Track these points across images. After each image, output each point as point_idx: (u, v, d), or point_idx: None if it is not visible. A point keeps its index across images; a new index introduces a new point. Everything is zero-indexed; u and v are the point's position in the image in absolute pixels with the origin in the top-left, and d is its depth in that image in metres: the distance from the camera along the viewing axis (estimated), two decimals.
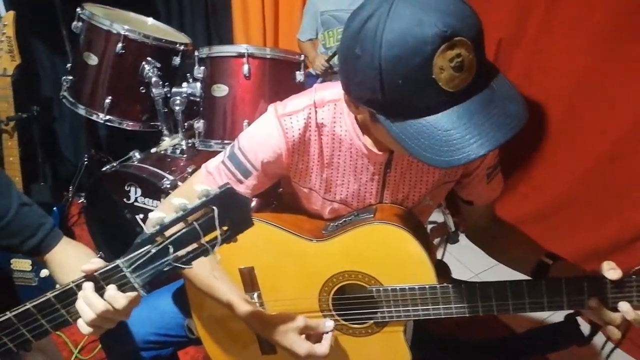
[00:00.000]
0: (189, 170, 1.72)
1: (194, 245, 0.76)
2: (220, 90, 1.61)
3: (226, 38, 2.84)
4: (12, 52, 1.79)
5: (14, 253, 1.57)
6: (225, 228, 0.76)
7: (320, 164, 0.98)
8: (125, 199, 1.76)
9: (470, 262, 2.17)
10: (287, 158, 0.96)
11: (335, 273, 0.97)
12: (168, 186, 1.62)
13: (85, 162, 2.34)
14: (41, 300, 0.76)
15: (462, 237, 2.30)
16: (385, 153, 0.94)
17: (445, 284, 0.90)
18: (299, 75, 1.67)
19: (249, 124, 1.61)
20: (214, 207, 0.74)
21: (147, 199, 1.73)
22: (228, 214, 0.75)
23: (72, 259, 0.96)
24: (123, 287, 0.76)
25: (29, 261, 1.85)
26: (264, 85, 1.63)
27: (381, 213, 0.97)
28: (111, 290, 0.73)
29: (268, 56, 1.61)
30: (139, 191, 1.73)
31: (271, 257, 1.02)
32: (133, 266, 0.75)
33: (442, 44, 0.66)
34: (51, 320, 0.77)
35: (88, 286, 0.74)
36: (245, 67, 1.57)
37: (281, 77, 1.65)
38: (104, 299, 0.73)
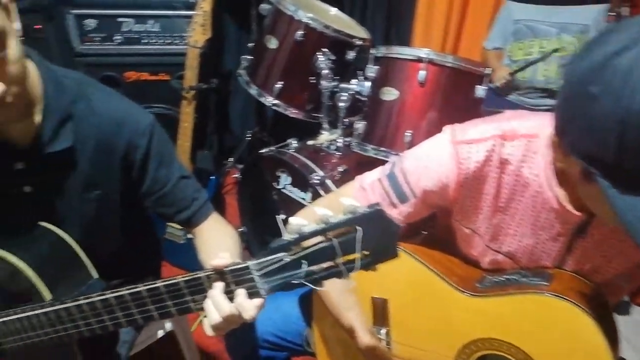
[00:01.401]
0: (340, 169, 1.66)
1: (329, 264, 0.68)
2: (390, 93, 1.51)
3: (404, 38, 2.73)
4: (205, 25, 1.91)
5: (167, 221, 1.69)
6: (366, 252, 0.66)
7: (492, 207, 0.82)
8: (275, 183, 1.78)
9: None
10: (455, 191, 0.82)
11: (482, 337, 0.81)
12: (317, 181, 1.60)
13: (249, 138, 2.46)
14: (171, 281, 0.75)
15: (636, 311, 1.90)
16: (582, 214, 0.74)
17: None
18: (480, 90, 1.49)
19: (412, 135, 1.48)
20: (359, 227, 0.65)
21: (294, 189, 1.73)
22: (373, 238, 0.66)
23: (215, 239, 0.97)
24: (249, 289, 0.71)
25: None
26: (437, 96, 1.48)
27: (559, 283, 0.78)
28: (241, 297, 0.69)
29: (449, 64, 1.46)
30: (289, 179, 1.73)
31: (410, 296, 0.89)
32: (263, 271, 0.70)
33: None
34: (177, 304, 0.75)
35: (218, 287, 0.70)
36: (422, 74, 1.44)
37: (459, 89, 1.48)
38: (233, 305, 0.69)
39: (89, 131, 0.88)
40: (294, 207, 1.74)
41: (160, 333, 1.34)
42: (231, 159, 2.52)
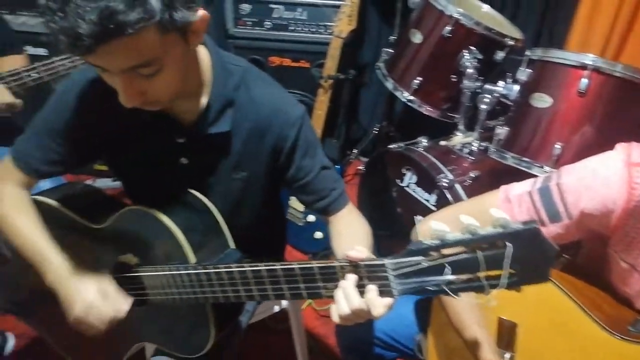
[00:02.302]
0: (471, 174, 1.58)
1: (469, 276, 0.65)
2: (542, 100, 1.39)
3: (558, 41, 2.50)
4: (351, 16, 1.93)
5: (305, 207, 1.77)
6: (512, 271, 0.62)
7: None
8: (398, 180, 1.75)
9: None
10: (619, 219, 0.73)
11: None
12: (445, 184, 1.53)
13: (375, 131, 2.45)
14: (306, 265, 0.77)
15: None
16: None
17: None
18: None
19: (562, 148, 1.35)
20: (509, 244, 0.61)
21: (418, 188, 1.69)
22: (522, 257, 0.61)
23: (349, 230, 0.99)
24: (381, 287, 0.71)
25: None
26: (599, 108, 1.33)
27: None
28: (372, 292, 0.69)
29: (618, 74, 1.29)
30: (414, 178, 1.69)
31: (545, 325, 0.82)
32: (399, 272, 0.69)
33: None
34: (309, 288, 0.77)
35: (351, 279, 0.71)
36: (584, 82, 1.30)
37: (626, 104, 1.31)
38: (364, 300, 0.69)
39: (246, 118, 0.94)
40: (414, 206, 1.70)
41: (276, 309, 1.40)
42: (355, 151, 2.54)
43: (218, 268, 0.84)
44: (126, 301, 0.92)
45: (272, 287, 0.80)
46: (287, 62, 2.26)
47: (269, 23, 2.22)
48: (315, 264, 0.76)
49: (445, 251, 0.65)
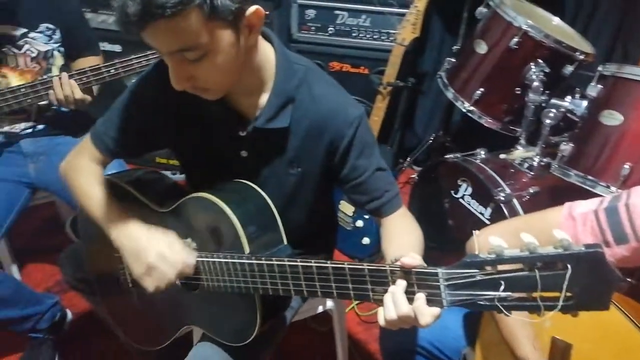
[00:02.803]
0: (530, 190, 1.53)
1: (523, 295, 0.63)
2: (612, 118, 1.33)
3: (632, 57, 2.38)
4: (415, 24, 1.92)
5: (357, 207, 1.77)
6: (569, 294, 0.61)
7: None
8: (452, 191, 1.72)
9: None
10: None
11: None
12: (502, 198, 1.49)
13: (430, 141, 2.42)
14: (356, 266, 0.77)
15: None
16: None
17: None
18: None
19: (631, 169, 1.28)
20: (569, 266, 0.59)
21: (473, 201, 1.65)
22: (582, 281, 0.59)
23: (400, 234, 0.99)
24: (430, 296, 0.70)
25: (353, 208, 2.07)
26: None
27: None
28: (420, 301, 0.69)
29: None
30: (470, 190, 1.66)
31: (603, 350, 0.79)
32: (450, 282, 0.68)
33: None
34: (357, 289, 0.78)
35: (401, 285, 0.71)
36: None
37: None
38: (412, 307, 0.69)
39: (305, 115, 0.96)
40: (467, 219, 1.66)
41: (320, 309, 1.41)
42: (408, 159, 2.52)
43: (271, 260, 0.86)
44: (192, 255, 0.94)
45: (320, 285, 0.81)
46: (347, 67, 2.28)
47: (332, 29, 2.24)
48: (366, 265, 0.76)
49: (501, 267, 0.64)
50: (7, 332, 1.53)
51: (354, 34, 2.23)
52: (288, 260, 0.84)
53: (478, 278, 0.65)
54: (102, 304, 1.23)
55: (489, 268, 0.64)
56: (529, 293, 0.62)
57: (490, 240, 0.63)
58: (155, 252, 0.91)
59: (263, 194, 0.99)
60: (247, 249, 0.91)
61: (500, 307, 0.64)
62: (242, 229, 0.91)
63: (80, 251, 1.17)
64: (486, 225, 1.57)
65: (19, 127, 1.53)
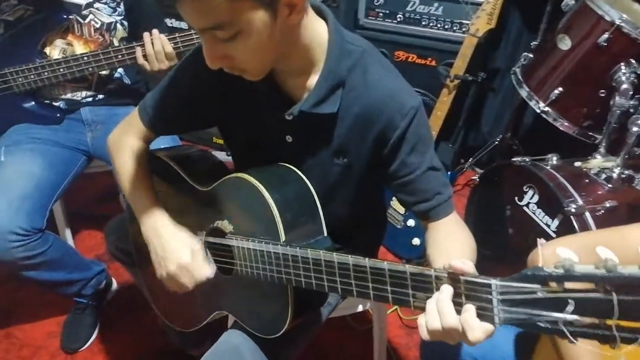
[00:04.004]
0: (607, 204, 1.37)
1: (595, 321, 0.53)
2: None
3: None
4: (492, 15, 1.79)
5: (404, 208, 1.68)
6: None
7: None
8: (516, 197, 1.59)
9: None
10: None
11: None
12: (572, 209, 1.35)
13: (496, 142, 2.27)
14: (397, 267, 0.69)
15: None
16: None
17: None
18: None
19: None
20: None
21: (539, 210, 1.51)
22: None
23: (449, 241, 0.89)
24: (480, 310, 0.61)
25: None
26: None
27: None
28: (470, 313, 0.60)
29: None
30: (536, 198, 1.52)
31: None
32: (506, 297, 0.59)
33: None
34: (395, 292, 0.70)
35: (447, 291, 0.62)
36: None
37: None
38: (459, 318, 0.60)
39: (356, 101, 0.88)
40: (529, 229, 1.53)
41: (360, 308, 1.34)
42: (470, 160, 2.37)
43: (305, 251, 0.80)
44: (211, 267, 0.96)
45: (356, 283, 0.74)
46: (413, 58, 2.17)
47: (401, 16, 2.13)
48: (408, 267, 0.68)
49: (569, 285, 0.54)
50: (54, 294, 1.58)
51: (424, 23, 2.11)
52: (324, 253, 0.77)
53: (540, 295, 0.56)
54: (141, 277, 1.23)
55: (554, 285, 0.54)
56: (603, 320, 0.52)
57: (559, 252, 0.53)
58: (177, 262, 0.93)
59: (305, 179, 0.93)
60: (283, 237, 0.85)
61: (566, 331, 0.54)
62: (279, 214, 0.85)
63: (125, 222, 1.17)
64: (551, 238, 1.44)
65: (80, 95, 1.56)
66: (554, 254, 0.55)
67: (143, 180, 1.01)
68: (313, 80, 0.87)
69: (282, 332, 0.88)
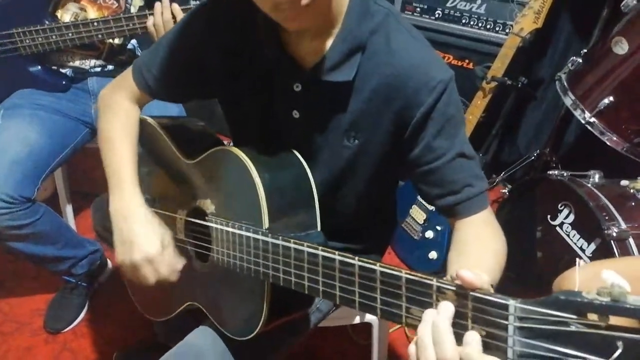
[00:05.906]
0: None
1: None
2: None
3: None
4: (539, 14, 1.62)
5: (426, 202, 1.53)
6: None
7: None
8: (549, 216, 1.42)
9: None
10: None
11: None
12: (613, 233, 1.17)
13: (532, 158, 2.08)
14: (391, 271, 0.56)
15: None
16: None
17: None
18: None
19: None
20: None
21: (574, 232, 1.34)
22: None
23: (475, 244, 0.73)
24: (489, 338, 0.47)
25: (425, 216, 1.82)
26: None
27: None
28: (473, 345, 0.46)
29: None
30: (572, 217, 1.35)
31: None
32: (525, 323, 0.45)
33: None
34: (385, 303, 0.57)
35: (445, 312, 0.48)
36: None
37: None
38: (459, 349, 0.46)
39: (375, 70, 0.75)
40: (561, 252, 1.36)
41: (357, 319, 1.20)
42: (502, 174, 2.19)
43: (288, 242, 0.67)
44: (180, 263, 0.84)
45: (340, 286, 0.61)
46: (449, 58, 2.01)
47: (439, 12, 1.99)
48: (404, 273, 0.54)
49: (615, 320, 0.39)
50: (46, 271, 1.50)
51: (463, 21, 1.95)
52: (307, 246, 0.64)
53: (573, 328, 0.41)
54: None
55: (594, 317, 0.40)
56: None
57: (605, 276, 0.40)
58: (144, 253, 0.80)
59: (305, 165, 0.81)
60: (266, 223, 0.73)
61: None
62: (265, 198, 0.73)
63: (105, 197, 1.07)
64: (585, 263, 1.27)
65: (88, 63, 1.48)
66: (594, 278, 0.40)
67: (125, 149, 0.90)
68: (329, 43, 0.75)
69: (253, 334, 0.75)
